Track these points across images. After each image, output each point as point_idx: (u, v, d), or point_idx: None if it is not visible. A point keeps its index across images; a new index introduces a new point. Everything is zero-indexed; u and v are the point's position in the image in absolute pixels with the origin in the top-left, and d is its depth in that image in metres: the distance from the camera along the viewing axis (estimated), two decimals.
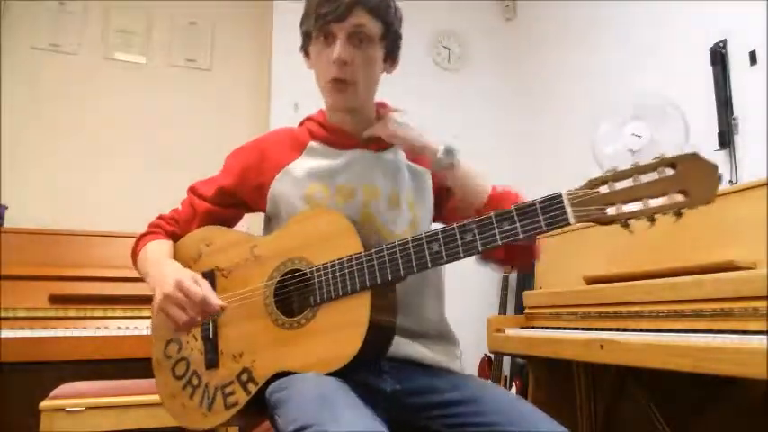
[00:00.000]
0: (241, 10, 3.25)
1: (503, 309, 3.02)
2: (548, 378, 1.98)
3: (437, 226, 0.93)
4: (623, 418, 1.89)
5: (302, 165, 1.10)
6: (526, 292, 2.09)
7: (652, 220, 0.76)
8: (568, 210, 0.80)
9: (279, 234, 1.05)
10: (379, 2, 1.05)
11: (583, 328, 1.64)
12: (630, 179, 0.78)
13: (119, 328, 1.95)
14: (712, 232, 1.49)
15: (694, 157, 0.75)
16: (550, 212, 0.81)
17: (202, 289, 0.96)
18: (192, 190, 1.18)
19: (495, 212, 0.85)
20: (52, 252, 2.12)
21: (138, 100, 2.95)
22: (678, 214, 0.75)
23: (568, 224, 0.81)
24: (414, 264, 0.89)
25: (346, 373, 0.89)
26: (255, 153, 1.14)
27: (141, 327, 1.96)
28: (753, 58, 2.04)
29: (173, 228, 1.17)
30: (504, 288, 3.04)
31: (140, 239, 1.16)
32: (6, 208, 2.32)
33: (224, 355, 1.03)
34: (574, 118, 2.95)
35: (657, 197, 0.76)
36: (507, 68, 3.50)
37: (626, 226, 0.78)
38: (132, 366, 1.78)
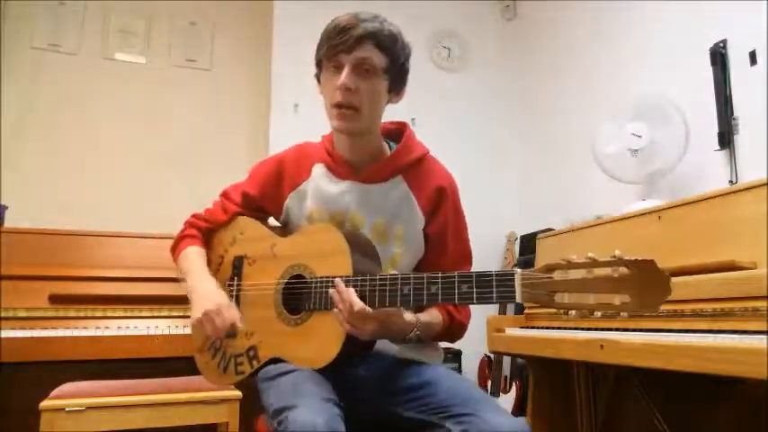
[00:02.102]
0: (241, 10, 3.25)
1: (503, 309, 3.01)
2: (548, 378, 1.98)
3: None
4: (623, 418, 1.89)
5: (309, 186, 1.23)
6: None
7: (591, 314, 0.81)
8: (517, 289, 0.87)
9: (294, 239, 1.21)
10: (386, 37, 1.13)
11: (583, 328, 1.64)
12: (584, 271, 0.81)
13: (119, 328, 1.95)
14: (712, 232, 1.49)
15: (650, 265, 0.78)
16: (502, 287, 0.89)
17: (231, 316, 1.14)
18: (224, 194, 1.34)
19: (459, 273, 0.95)
20: (52, 252, 2.12)
21: (138, 100, 2.96)
22: (617, 315, 0.79)
23: (515, 301, 0.88)
24: (387, 300, 1.00)
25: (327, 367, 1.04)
26: (274, 168, 1.28)
27: (141, 327, 1.96)
28: (753, 58, 2.04)
29: (207, 225, 1.33)
30: None
31: (181, 239, 1.32)
32: (6, 208, 2.31)
33: (240, 330, 1.18)
34: (574, 118, 2.95)
35: (605, 293, 0.79)
36: (507, 68, 3.50)
37: (566, 314, 0.83)
38: (132, 366, 1.78)
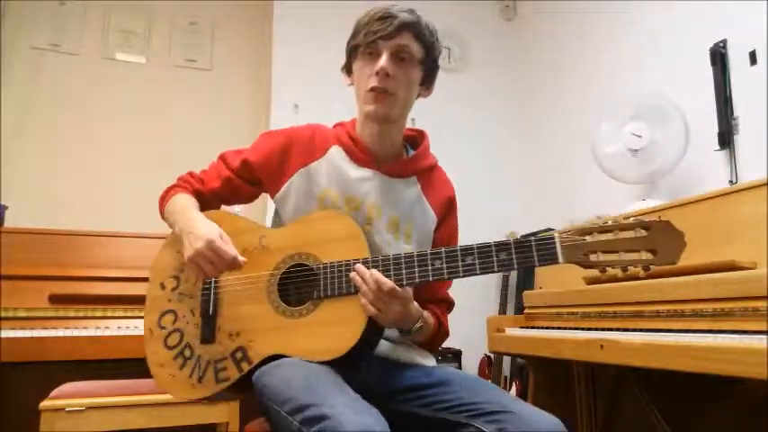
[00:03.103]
0: (241, 10, 3.25)
1: (503, 309, 3.02)
2: (548, 378, 1.98)
3: None
4: (623, 418, 1.89)
5: (322, 167, 1.18)
6: (526, 292, 2.09)
7: (625, 270, 0.90)
8: (558, 250, 0.91)
9: (289, 229, 1.13)
10: (424, 29, 1.17)
11: (583, 328, 1.64)
12: (611, 233, 0.90)
13: (119, 328, 1.95)
14: (712, 232, 1.49)
15: (665, 224, 0.88)
16: (543, 250, 0.91)
17: (231, 248, 1.06)
18: (222, 157, 1.26)
19: (495, 242, 0.95)
20: (52, 252, 2.12)
21: (138, 100, 2.96)
22: (646, 269, 0.89)
23: (557, 263, 0.91)
24: (416, 275, 0.97)
25: (332, 365, 0.97)
26: (284, 142, 1.21)
27: (141, 327, 1.95)
28: (753, 58, 2.04)
29: (198, 186, 1.24)
30: (504, 288, 3.04)
31: (169, 190, 1.25)
32: (6, 208, 2.31)
33: (221, 332, 1.10)
34: (574, 118, 2.95)
35: (631, 252, 0.89)
36: (507, 68, 3.50)
37: (603, 271, 0.91)
38: (132, 366, 1.78)
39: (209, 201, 1.24)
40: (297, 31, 3.02)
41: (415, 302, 1.05)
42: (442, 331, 1.19)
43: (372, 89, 1.12)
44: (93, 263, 2.14)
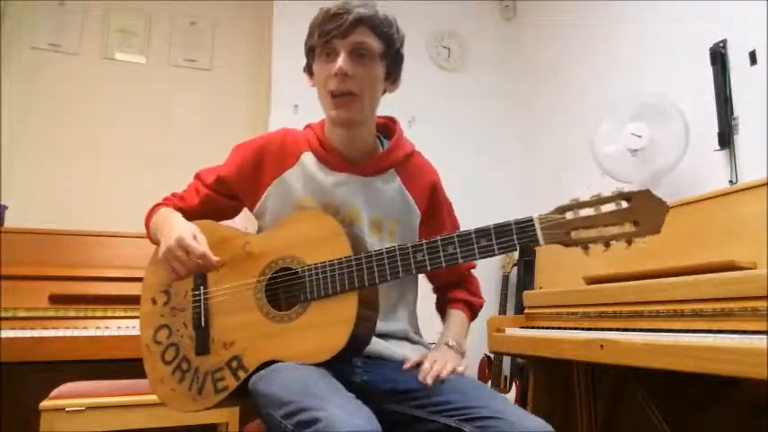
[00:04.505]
0: (241, 10, 3.25)
1: (503, 309, 3.01)
2: (548, 378, 1.98)
3: None
4: (623, 418, 1.89)
5: (296, 175, 1.15)
6: (526, 292, 2.09)
7: (608, 245, 0.87)
8: (539, 232, 0.89)
9: (271, 233, 1.12)
10: (381, 21, 1.09)
11: (583, 328, 1.64)
12: (592, 208, 0.88)
13: (119, 328, 1.95)
14: (712, 232, 1.49)
15: (646, 194, 0.85)
16: (523, 233, 0.90)
17: (201, 245, 1.04)
18: (197, 175, 1.26)
19: (475, 229, 0.93)
20: (52, 252, 2.12)
21: (138, 100, 2.96)
22: (629, 242, 0.86)
23: (538, 245, 0.90)
24: (400, 269, 0.97)
25: (327, 365, 0.96)
26: (256, 152, 1.19)
27: None
28: (753, 58, 2.04)
29: (180, 204, 1.24)
30: (504, 288, 3.04)
31: (152, 209, 1.24)
32: (6, 208, 2.31)
33: (215, 342, 1.10)
34: (574, 118, 2.95)
35: (614, 225, 0.86)
36: (507, 68, 3.50)
37: (586, 249, 0.88)
38: (132, 366, 1.78)
39: (191, 218, 1.20)
40: (297, 31, 3.00)
41: (454, 332, 1.18)
42: (476, 308, 1.29)
43: (333, 93, 1.07)
44: (93, 263, 2.14)
